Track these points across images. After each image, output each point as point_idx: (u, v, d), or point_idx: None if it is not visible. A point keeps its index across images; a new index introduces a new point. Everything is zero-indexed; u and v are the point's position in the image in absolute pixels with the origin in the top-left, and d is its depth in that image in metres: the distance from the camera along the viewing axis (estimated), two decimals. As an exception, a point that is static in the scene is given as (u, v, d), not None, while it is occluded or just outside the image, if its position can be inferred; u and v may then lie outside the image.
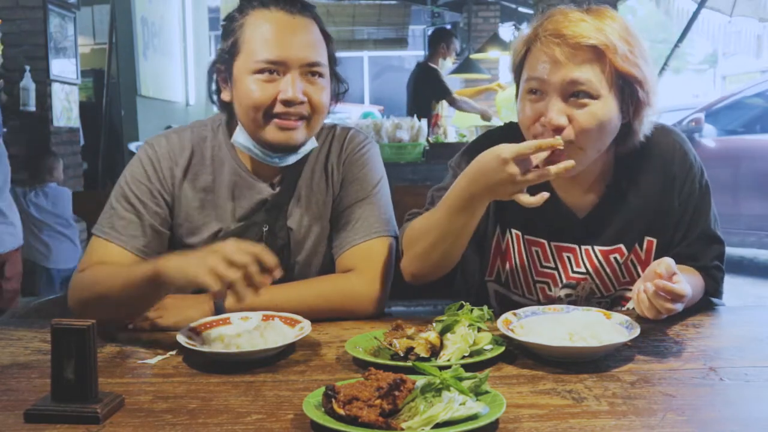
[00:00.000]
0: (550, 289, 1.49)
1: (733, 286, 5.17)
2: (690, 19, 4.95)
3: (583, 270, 1.46)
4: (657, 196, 1.44)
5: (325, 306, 1.42)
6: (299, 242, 1.53)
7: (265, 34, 1.41)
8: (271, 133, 1.42)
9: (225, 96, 1.48)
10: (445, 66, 6.31)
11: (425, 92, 5.93)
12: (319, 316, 1.37)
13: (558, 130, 1.29)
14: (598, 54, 1.29)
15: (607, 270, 1.47)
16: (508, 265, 1.51)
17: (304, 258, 1.54)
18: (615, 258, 1.46)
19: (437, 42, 6.19)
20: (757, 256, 6.15)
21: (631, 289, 1.40)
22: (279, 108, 1.41)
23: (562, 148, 1.23)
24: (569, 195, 1.46)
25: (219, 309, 1.36)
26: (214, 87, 1.51)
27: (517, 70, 1.40)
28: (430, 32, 6.72)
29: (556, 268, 1.48)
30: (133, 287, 1.28)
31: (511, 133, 1.45)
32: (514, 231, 1.49)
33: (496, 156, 1.21)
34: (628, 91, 1.32)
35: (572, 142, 1.29)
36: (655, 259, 1.38)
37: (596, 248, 1.45)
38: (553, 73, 1.29)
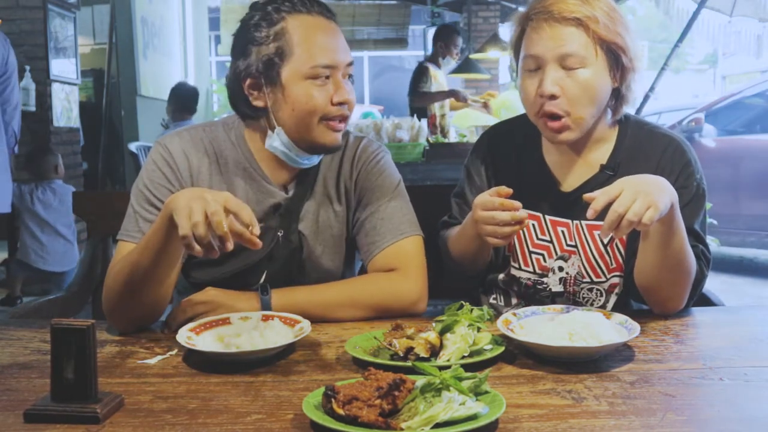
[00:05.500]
0: (545, 260, 1.55)
1: (733, 286, 5.16)
2: (690, 19, 4.93)
3: (573, 243, 1.53)
4: None
5: (374, 304, 1.45)
6: (310, 246, 1.53)
7: (317, 39, 1.41)
8: (323, 135, 1.43)
9: (258, 102, 1.44)
10: (451, 64, 6.25)
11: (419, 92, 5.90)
12: (366, 315, 1.43)
13: (552, 98, 1.41)
14: (582, 26, 1.40)
15: (592, 247, 1.50)
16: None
17: (314, 262, 1.54)
18: (598, 235, 1.49)
19: (435, 41, 6.14)
20: (757, 256, 6.14)
21: (619, 275, 1.50)
22: (333, 110, 1.42)
23: (525, 221, 1.33)
24: (562, 173, 1.55)
25: (265, 305, 1.38)
26: (240, 94, 1.45)
27: (515, 50, 1.52)
28: (432, 31, 6.68)
29: (551, 242, 1.54)
30: (153, 243, 1.26)
31: (517, 123, 1.61)
32: None
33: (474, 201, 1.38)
34: (613, 58, 1.44)
35: (569, 112, 1.42)
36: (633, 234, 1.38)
37: (583, 223, 1.51)
38: (545, 48, 1.42)
